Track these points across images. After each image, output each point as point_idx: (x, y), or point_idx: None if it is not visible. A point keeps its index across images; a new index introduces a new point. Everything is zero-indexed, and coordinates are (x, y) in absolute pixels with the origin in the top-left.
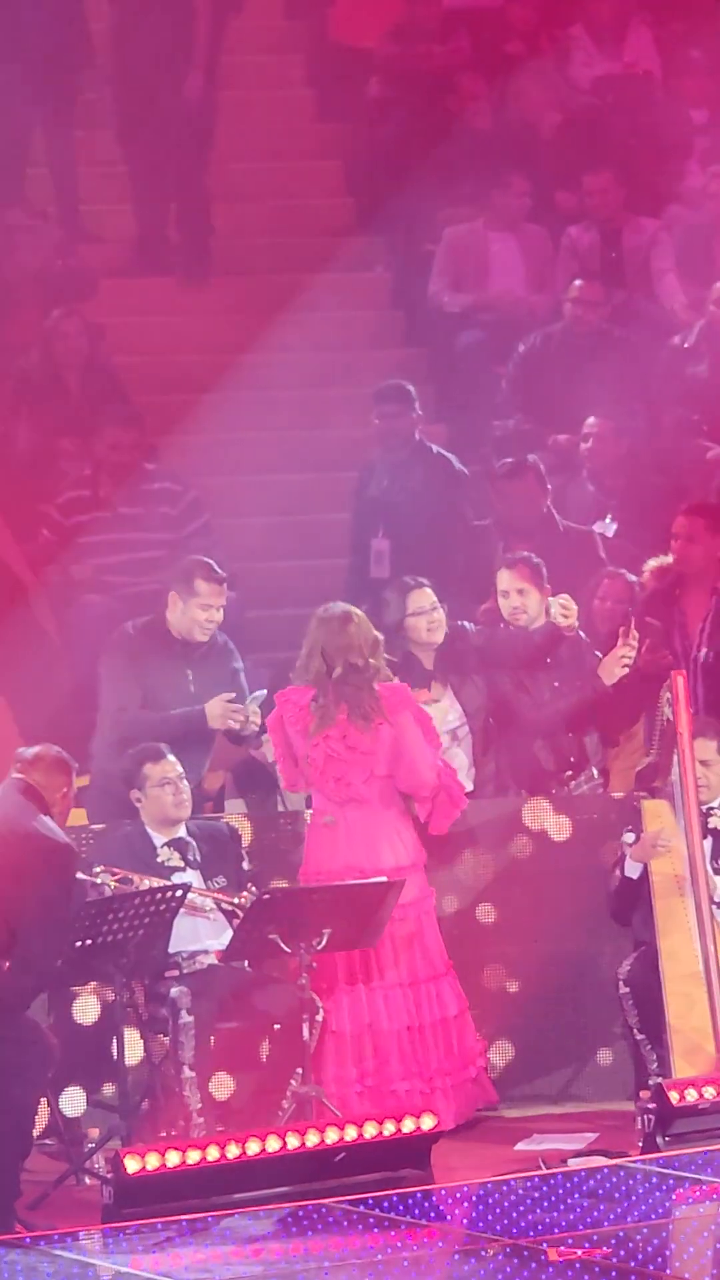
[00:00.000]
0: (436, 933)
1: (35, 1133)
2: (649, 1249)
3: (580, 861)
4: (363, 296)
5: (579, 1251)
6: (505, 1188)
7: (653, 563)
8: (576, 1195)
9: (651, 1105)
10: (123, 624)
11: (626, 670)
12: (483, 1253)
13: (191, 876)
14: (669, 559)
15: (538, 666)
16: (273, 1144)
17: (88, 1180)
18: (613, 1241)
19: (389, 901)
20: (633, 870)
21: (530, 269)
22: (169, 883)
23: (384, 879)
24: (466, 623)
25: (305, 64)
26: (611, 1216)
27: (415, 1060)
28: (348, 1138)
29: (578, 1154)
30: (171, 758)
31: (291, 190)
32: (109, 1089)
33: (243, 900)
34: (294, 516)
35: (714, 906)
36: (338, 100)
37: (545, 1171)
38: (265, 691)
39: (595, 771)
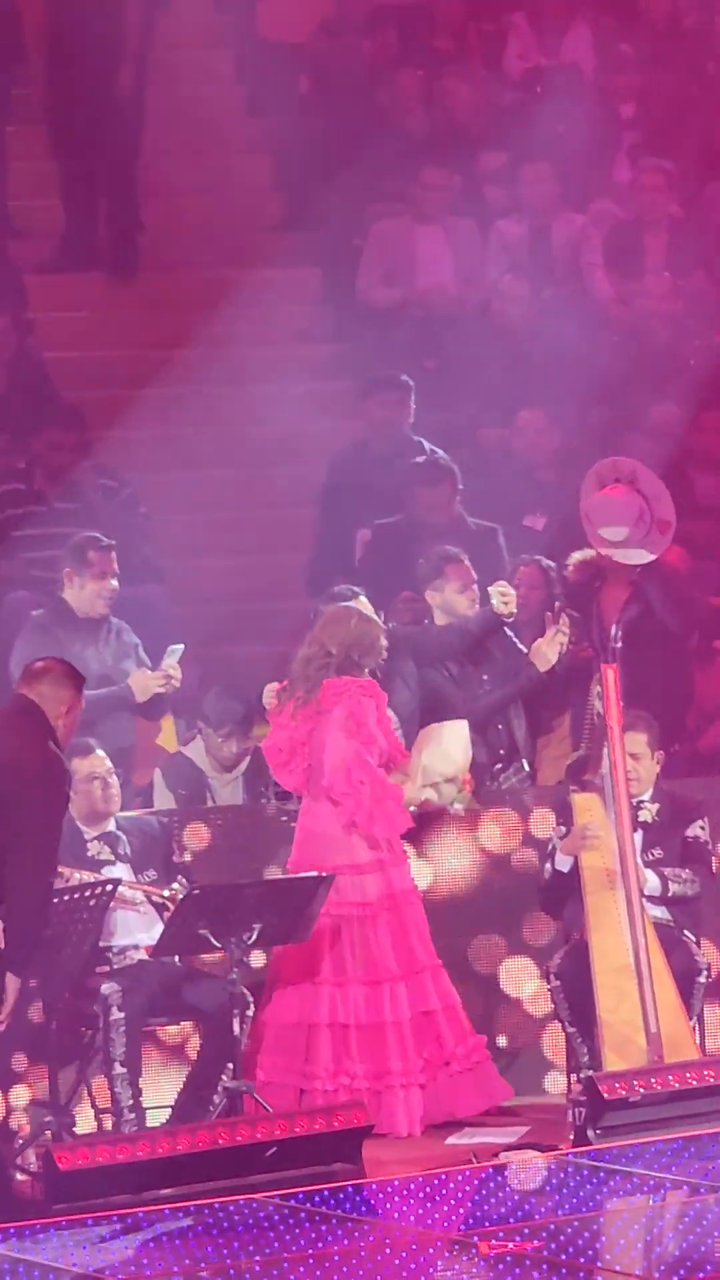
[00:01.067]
0: (422, 927)
1: None
2: (580, 1242)
3: (511, 855)
4: (292, 292)
5: (510, 1245)
6: (436, 1181)
7: (576, 555)
8: (508, 1189)
9: (582, 1098)
10: (30, 614)
11: (561, 648)
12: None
13: (122, 870)
14: (591, 552)
15: (477, 657)
16: (204, 1139)
17: (19, 1176)
18: (544, 1234)
19: (320, 896)
20: (563, 864)
21: (459, 263)
22: (99, 876)
23: (315, 873)
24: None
25: (235, 60)
26: (543, 1210)
27: (403, 1054)
28: (278, 1133)
29: (509, 1148)
30: (100, 752)
31: (221, 186)
32: (40, 1085)
33: (173, 894)
34: (225, 513)
35: (644, 900)
36: (267, 96)
37: (476, 1165)
38: (183, 646)
39: (526, 764)
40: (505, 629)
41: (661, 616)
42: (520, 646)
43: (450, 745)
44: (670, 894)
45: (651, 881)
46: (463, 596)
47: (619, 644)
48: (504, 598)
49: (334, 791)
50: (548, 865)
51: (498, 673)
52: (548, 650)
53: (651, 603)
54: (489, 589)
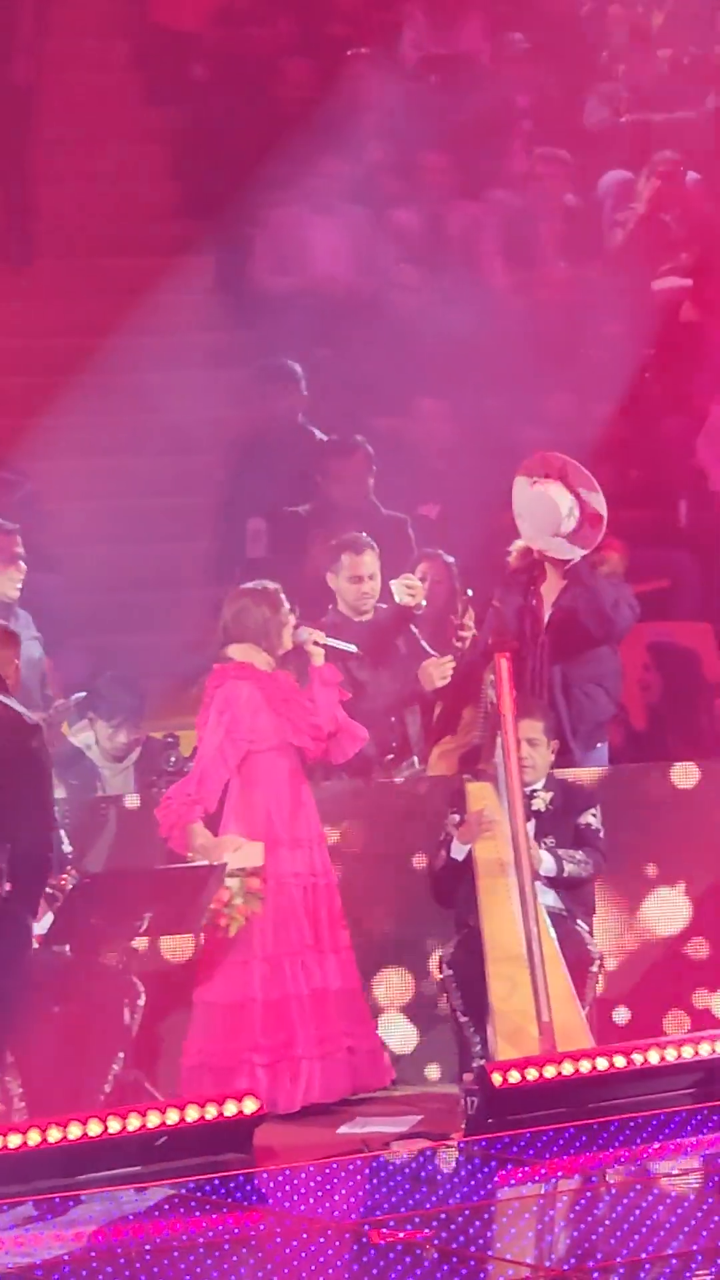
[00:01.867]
0: (335, 909)
1: None
2: (471, 1230)
3: (400, 845)
4: (187, 280)
5: (401, 1233)
6: (328, 1170)
7: (519, 544)
8: (399, 1178)
9: (475, 1087)
10: None
11: (445, 682)
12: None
13: None
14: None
15: (385, 651)
16: (94, 1128)
17: None
18: (435, 1223)
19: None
20: (458, 852)
21: (354, 252)
22: None
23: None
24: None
25: (130, 48)
26: (434, 1198)
27: (311, 1028)
28: (169, 1121)
29: (401, 1137)
30: None
31: (116, 174)
32: None
33: (61, 883)
34: (122, 500)
35: (539, 883)
36: (163, 85)
37: (368, 1154)
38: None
39: (416, 760)
40: (411, 625)
41: (584, 621)
42: (424, 644)
43: (251, 851)
44: (565, 873)
45: (546, 862)
46: (352, 587)
47: (547, 637)
48: (409, 590)
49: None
50: (441, 853)
51: (401, 669)
52: (434, 672)
53: (580, 604)
54: (392, 582)
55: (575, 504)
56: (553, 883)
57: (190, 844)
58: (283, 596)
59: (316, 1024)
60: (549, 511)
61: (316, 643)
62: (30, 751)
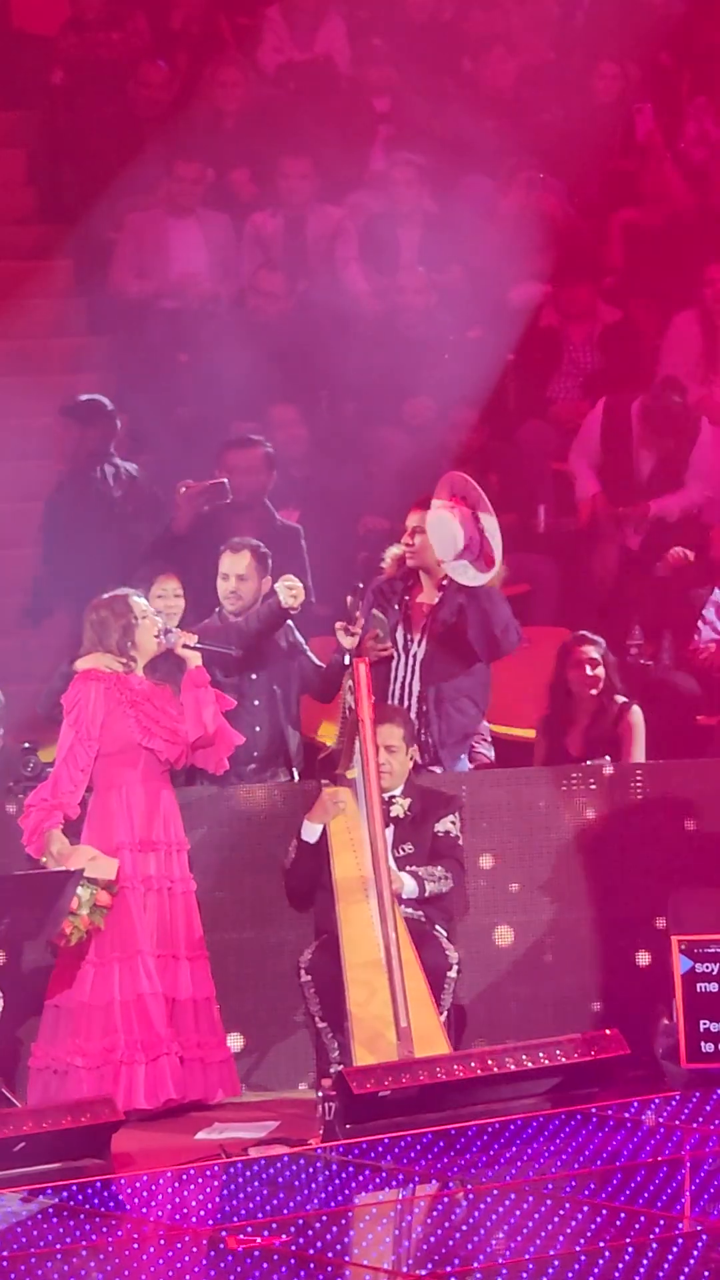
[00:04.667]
0: (191, 916)
1: None
2: (329, 1236)
3: (264, 847)
4: (44, 284)
5: (258, 1239)
6: (185, 1177)
7: (395, 549)
8: (256, 1184)
9: (333, 1093)
10: None
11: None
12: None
13: None
14: (402, 550)
15: (260, 651)
16: None
17: None
18: (292, 1229)
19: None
20: (310, 833)
21: (213, 256)
22: None
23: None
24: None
25: None
26: (291, 1204)
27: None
28: (26, 1127)
29: (258, 1142)
30: None
31: None
32: None
33: None
34: None
35: (401, 903)
36: (19, 88)
37: (225, 1160)
38: None
39: (296, 773)
40: (291, 624)
41: (470, 639)
42: (304, 645)
43: (105, 865)
44: (427, 894)
45: (409, 885)
46: (221, 584)
47: (423, 645)
48: (290, 591)
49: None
50: (293, 842)
51: (279, 669)
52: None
53: (468, 621)
54: (275, 584)
55: (474, 538)
56: (414, 905)
57: (46, 849)
58: (134, 601)
59: (142, 1029)
60: (448, 537)
61: (187, 645)
62: None
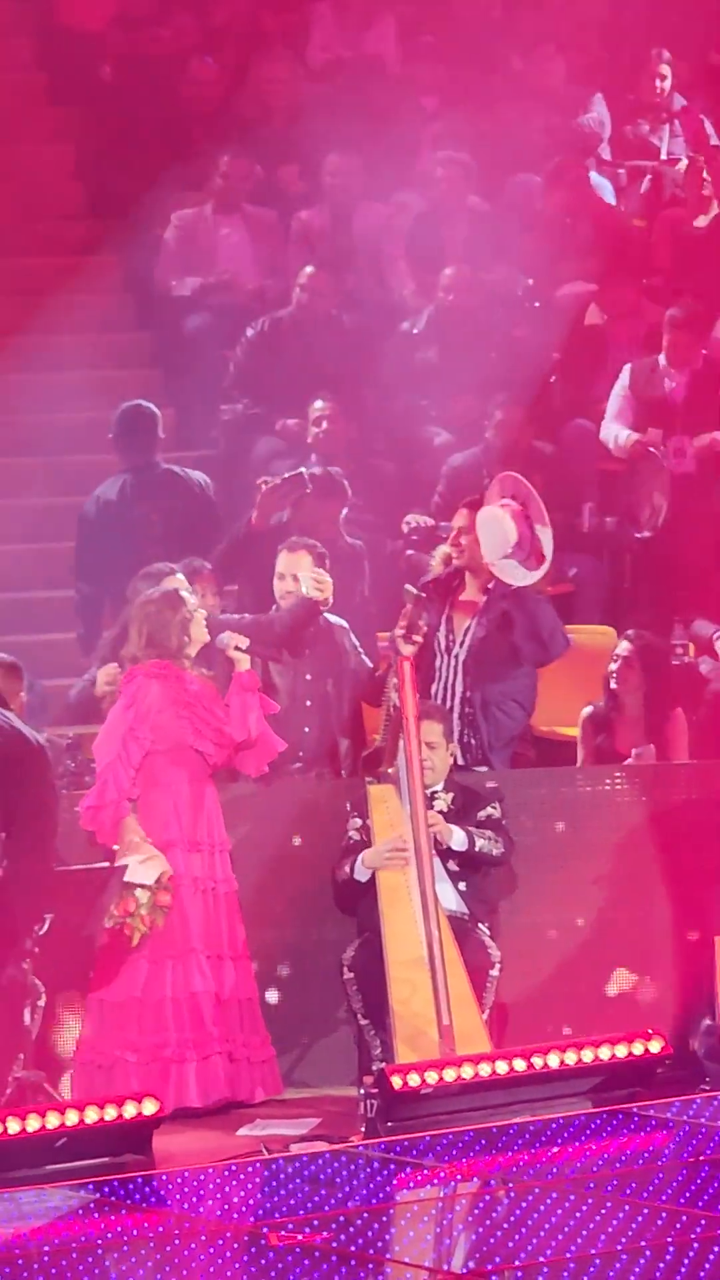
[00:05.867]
0: (234, 917)
1: None
2: (370, 1233)
3: (307, 846)
4: (92, 280)
5: (300, 1236)
6: (227, 1173)
7: (444, 549)
8: (298, 1180)
9: (374, 1090)
10: None
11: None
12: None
13: None
14: (450, 550)
15: (297, 645)
16: None
17: None
18: (333, 1226)
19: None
20: (361, 874)
21: (259, 253)
22: None
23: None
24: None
25: (35, 47)
26: (333, 1201)
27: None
28: (69, 1123)
29: (300, 1139)
30: None
31: (21, 173)
32: None
33: None
34: (19, 500)
35: (446, 874)
36: (69, 84)
37: (267, 1156)
38: None
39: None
40: (346, 626)
41: (518, 642)
42: (359, 648)
43: (151, 868)
44: (477, 848)
45: (458, 836)
46: (279, 583)
47: (465, 647)
48: (318, 584)
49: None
50: (345, 867)
51: (335, 670)
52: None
53: (514, 625)
54: (301, 575)
55: (525, 536)
56: (461, 861)
57: (121, 838)
58: (185, 595)
59: (193, 1027)
60: (499, 535)
61: (238, 647)
62: (40, 773)
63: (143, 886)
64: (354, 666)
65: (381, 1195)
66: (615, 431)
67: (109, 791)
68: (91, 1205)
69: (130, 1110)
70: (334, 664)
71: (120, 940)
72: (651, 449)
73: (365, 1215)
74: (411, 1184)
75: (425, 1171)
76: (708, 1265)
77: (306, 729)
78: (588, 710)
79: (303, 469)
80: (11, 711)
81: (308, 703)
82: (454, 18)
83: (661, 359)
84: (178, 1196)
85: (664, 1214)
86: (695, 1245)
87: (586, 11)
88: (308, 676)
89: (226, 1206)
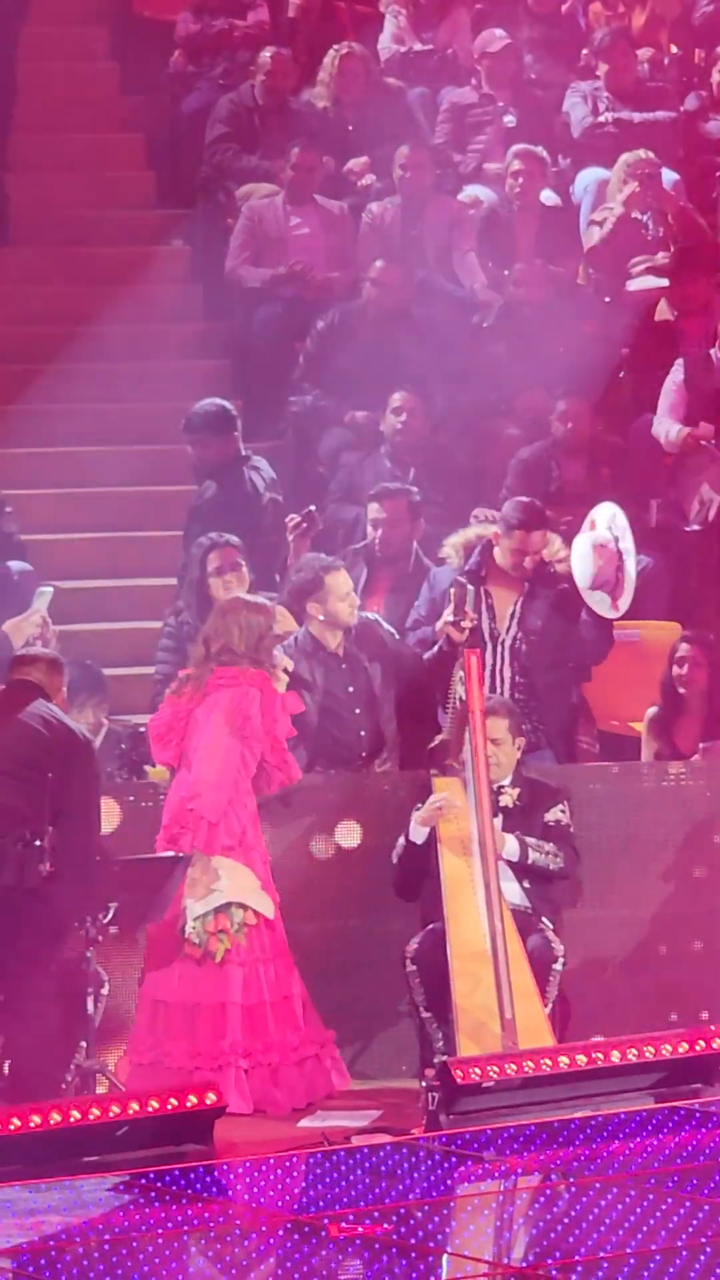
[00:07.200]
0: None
1: None
2: (430, 1226)
3: (370, 838)
4: (162, 270)
5: (360, 1227)
6: (288, 1164)
7: (507, 542)
8: (359, 1172)
9: (436, 1083)
10: None
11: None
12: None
13: None
14: (475, 534)
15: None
16: (55, 1117)
17: None
18: (394, 1218)
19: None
20: (417, 835)
21: (330, 245)
22: None
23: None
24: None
25: (109, 36)
26: (393, 1193)
27: (261, 1034)
28: (130, 1111)
29: (361, 1131)
30: None
31: (92, 162)
32: None
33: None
34: (89, 489)
35: (501, 873)
36: (141, 73)
37: (328, 1148)
38: (51, 588)
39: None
40: (382, 621)
41: (584, 635)
42: (398, 637)
43: (264, 901)
44: (530, 860)
45: (510, 845)
46: (345, 604)
47: (511, 634)
48: (349, 609)
49: (195, 785)
50: (400, 839)
51: (380, 669)
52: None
53: (578, 622)
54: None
55: (609, 581)
56: (516, 870)
57: (211, 873)
58: (278, 608)
59: (290, 1029)
60: (586, 571)
61: (286, 670)
62: (88, 767)
63: (240, 905)
64: (401, 659)
65: (442, 1188)
66: (667, 426)
67: (219, 805)
68: (152, 1195)
69: (192, 1100)
70: (378, 657)
71: (175, 942)
72: (703, 442)
73: (425, 1208)
74: (472, 1177)
75: (486, 1165)
76: None
77: (362, 732)
78: (652, 711)
79: (312, 506)
80: (55, 705)
81: (356, 710)
82: (526, 12)
83: (714, 353)
84: (238, 1187)
85: None
86: None
87: (660, 6)
88: (349, 689)
89: (287, 1197)
